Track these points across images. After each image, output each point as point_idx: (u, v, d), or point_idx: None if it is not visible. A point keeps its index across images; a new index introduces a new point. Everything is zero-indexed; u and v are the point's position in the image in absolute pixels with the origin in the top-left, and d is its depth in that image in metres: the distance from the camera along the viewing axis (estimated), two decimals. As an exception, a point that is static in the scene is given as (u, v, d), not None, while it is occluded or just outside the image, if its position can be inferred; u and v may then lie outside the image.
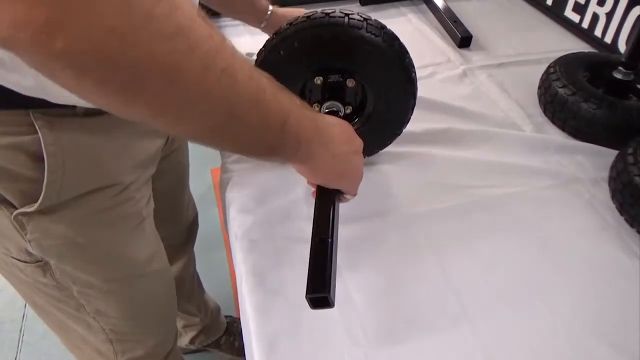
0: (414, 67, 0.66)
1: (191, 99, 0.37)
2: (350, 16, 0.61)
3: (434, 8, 1.17)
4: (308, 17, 0.61)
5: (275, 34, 0.63)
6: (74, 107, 0.53)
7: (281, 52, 0.62)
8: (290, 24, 0.62)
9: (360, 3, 1.20)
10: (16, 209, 0.55)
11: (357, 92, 0.68)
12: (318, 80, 0.65)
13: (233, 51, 0.39)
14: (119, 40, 0.30)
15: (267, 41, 0.64)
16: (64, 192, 0.56)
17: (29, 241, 0.58)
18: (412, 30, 1.13)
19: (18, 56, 0.30)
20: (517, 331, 0.55)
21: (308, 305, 0.55)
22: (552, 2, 1.16)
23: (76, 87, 0.33)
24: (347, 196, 0.60)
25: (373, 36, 0.61)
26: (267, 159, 0.51)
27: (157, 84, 0.34)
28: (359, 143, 0.58)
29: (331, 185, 0.57)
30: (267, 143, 0.47)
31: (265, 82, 0.44)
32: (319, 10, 0.62)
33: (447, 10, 1.14)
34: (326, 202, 0.55)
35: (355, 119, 0.69)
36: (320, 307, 0.45)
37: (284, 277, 0.60)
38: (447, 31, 1.11)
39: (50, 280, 0.64)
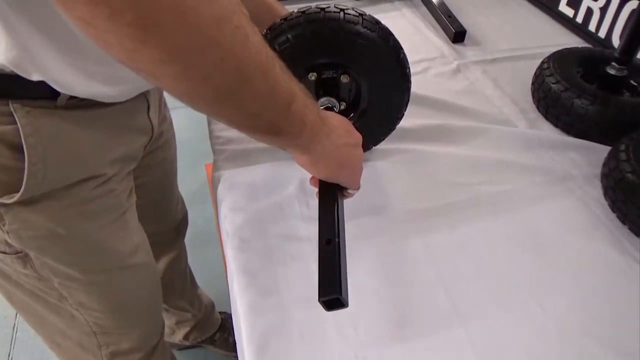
0: (408, 62, 0.65)
1: (201, 46, 0.36)
2: (346, 11, 0.60)
3: (428, 2, 1.17)
4: (303, 12, 0.61)
5: (269, 29, 0.62)
6: (54, 99, 0.52)
7: (276, 48, 0.61)
8: (285, 19, 0.61)
9: (355, -3, 1.20)
10: None
11: (351, 88, 0.67)
12: (312, 76, 0.65)
13: (249, 19, 0.39)
14: None
15: (275, 26, 0.63)
16: (46, 184, 0.55)
17: (7, 232, 0.57)
18: (406, 25, 1.12)
19: None
20: (509, 330, 0.54)
21: (302, 308, 0.55)
22: (547, -4, 1.15)
23: (90, 17, 0.32)
24: (350, 191, 0.60)
25: (369, 31, 0.60)
26: (270, 139, 0.50)
27: (170, 24, 0.34)
28: (357, 136, 0.58)
29: (332, 178, 0.56)
30: (271, 118, 0.46)
31: (276, 57, 0.43)
32: (314, 5, 0.62)
33: (442, 4, 1.14)
34: (330, 200, 0.54)
35: (350, 115, 0.69)
36: (334, 308, 0.45)
37: (275, 276, 0.59)
38: (441, 26, 1.10)
39: (31, 271, 0.63)
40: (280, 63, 0.44)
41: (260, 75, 0.42)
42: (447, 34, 1.07)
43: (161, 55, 0.35)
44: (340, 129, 0.56)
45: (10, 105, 0.50)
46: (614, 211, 0.67)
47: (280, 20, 0.62)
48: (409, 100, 0.69)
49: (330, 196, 0.55)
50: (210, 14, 0.35)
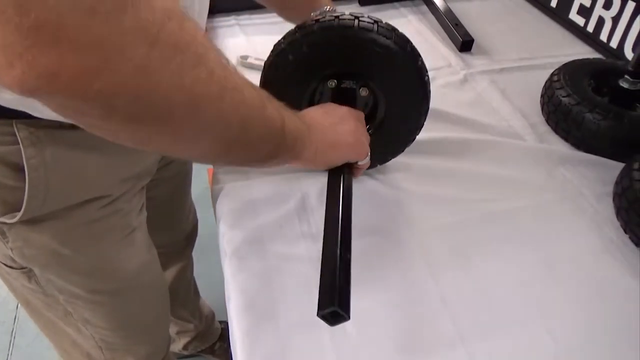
0: (429, 84, 0.64)
1: (210, 122, 0.39)
2: (380, 24, 0.59)
3: (434, 10, 1.14)
4: (336, 16, 0.60)
5: (299, 27, 0.61)
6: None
7: (304, 48, 0.60)
8: (317, 20, 0.60)
9: (360, 3, 1.17)
10: None
11: (367, 103, 0.66)
12: (332, 83, 0.63)
13: (233, 67, 0.41)
14: (149, 78, 0.31)
15: (289, 34, 0.61)
16: (48, 205, 0.54)
17: (11, 249, 0.57)
18: (412, 33, 1.09)
19: (41, 102, 0.30)
20: (515, 356, 0.52)
21: (301, 333, 0.53)
22: (557, 4, 1.12)
23: (101, 126, 0.34)
24: (360, 163, 0.61)
25: (398, 47, 0.59)
26: (266, 165, 0.53)
27: (182, 114, 0.35)
28: (338, 112, 0.59)
29: (333, 162, 0.57)
30: (269, 148, 0.48)
31: (259, 89, 0.46)
32: (348, 12, 0.61)
33: (448, 11, 1.11)
34: (336, 194, 0.53)
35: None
36: (336, 322, 0.42)
37: (274, 299, 0.57)
38: (447, 34, 1.07)
39: (36, 286, 0.63)
40: (262, 92, 0.47)
41: (258, 118, 0.44)
42: (453, 42, 1.05)
43: (172, 140, 0.39)
44: (315, 114, 0.57)
45: (14, 125, 0.49)
46: (626, 232, 0.64)
47: (312, 21, 0.60)
48: (422, 126, 0.68)
49: (336, 181, 0.55)
50: (213, 90, 0.37)
